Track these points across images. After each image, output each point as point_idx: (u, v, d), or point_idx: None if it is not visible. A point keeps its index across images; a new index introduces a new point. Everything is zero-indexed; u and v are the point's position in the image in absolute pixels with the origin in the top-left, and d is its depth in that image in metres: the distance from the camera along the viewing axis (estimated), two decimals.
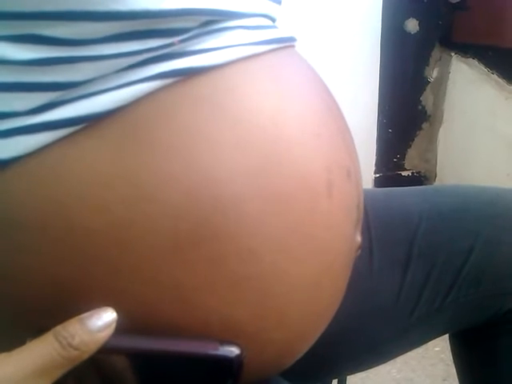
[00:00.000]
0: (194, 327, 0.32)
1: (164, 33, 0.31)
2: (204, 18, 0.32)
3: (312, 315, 0.37)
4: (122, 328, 0.29)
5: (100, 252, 0.30)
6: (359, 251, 0.43)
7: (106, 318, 0.29)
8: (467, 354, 0.62)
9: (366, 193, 0.61)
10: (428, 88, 1.66)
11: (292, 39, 0.38)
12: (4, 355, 0.27)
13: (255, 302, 0.33)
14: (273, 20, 0.39)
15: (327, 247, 0.36)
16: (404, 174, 1.75)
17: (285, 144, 0.33)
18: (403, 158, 1.74)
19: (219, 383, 0.31)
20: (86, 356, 0.28)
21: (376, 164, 1.70)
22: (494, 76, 1.43)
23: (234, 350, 0.30)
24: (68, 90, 0.30)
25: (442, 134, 1.69)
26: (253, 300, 0.32)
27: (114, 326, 0.29)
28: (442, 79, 1.64)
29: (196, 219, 0.30)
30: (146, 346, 0.30)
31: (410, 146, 1.72)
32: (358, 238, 0.41)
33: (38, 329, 0.28)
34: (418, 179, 1.76)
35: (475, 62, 1.50)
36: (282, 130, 0.33)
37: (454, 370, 0.66)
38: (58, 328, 0.28)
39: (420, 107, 1.68)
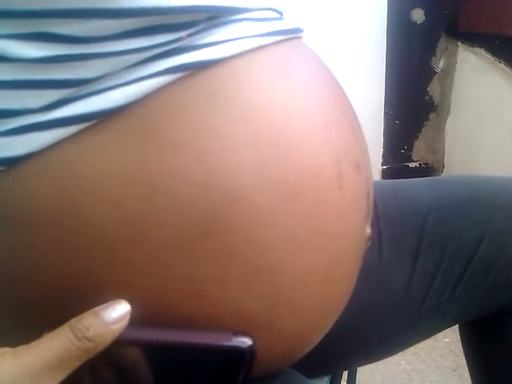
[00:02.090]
0: (206, 319, 0.32)
1: (172, 28, 0.31)
2: (211, 14, 0.32)
3: (323, 306, 0.37)
4: (135, 320, 0.30)
5: (113, 246, 0.30)
6: (369, 243, 0.43)
7: (120, 310, 0.29)
8: (477, 345, 0.62)
9: (375, 185, 0.62)
10: (435, 78, 1.65)
11: (299, 30, 0.38)
12: (22, 347, 0.28)
13: (266, 293, 0.33)
14: (279, 13, 0.40)
15: (337, 239, 0.36)
16: (411, 165, 1.74)
17: (294, 136, 0.33)
18: (410, 149, 1.73)
19: (232, 374, 0.32)
20: (101, 348, 0.28)
21: (383, 156, 1.70)
22: (501, 65, 1.42)
23: (246, 341, 0.31)
24: (79, 86, 0.30)
25: (450, 125, 1.68)
26: (264, 291, 0.33)
27: (128, 317, 0.29)
28: (449, 69, 1.63)
29: (206, 212, 0.30)
30: (160, 337, 0.30)
31: (418, 137, 1.72)
32: (368, 230, 0.41)
33: (53, 322, 0.29)
34: (426, 170, 1.75)
35: (482, 51, 1.49)
36: (291, 122, 0.33)
37: (463, 361, 0.66)
38: (73, 321, 0.28)
39: (427, 98, 1.67)
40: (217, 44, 0.32)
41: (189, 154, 0.30)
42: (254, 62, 0.33)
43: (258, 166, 0.31)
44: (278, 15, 0.39)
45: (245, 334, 0.31)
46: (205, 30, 0.32)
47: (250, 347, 0.31)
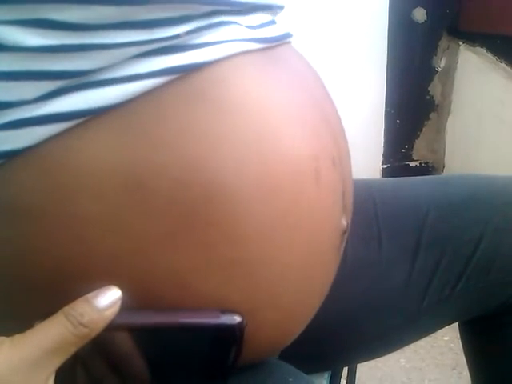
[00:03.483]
0: (190, 307, 0.33)
1: (170, 22, 0.32)
2: (208, 8, 0.33)
3: (303, 297, 0.39)
4: (124, 308, 0.30)
5: (99, 237, 0.31)
6: (346, 234, 0.44)
7: (111, 296, 0.30)
8: (477, 343, 0.63)
9: (375, 183, 0.62)
10: (436, 78, 1.65)
11: (287, 36, 0.40)
12: (18, 336, 0.28)
13: (246, 285, 0.34)
14: (279, 8, 0.41)
15: (315, 233, 0.37)
16: (412, 164, 1.75)
17: (271, 133, 0.34)
18: (411, 148, 1.73)
19: (223, 352, 0.33)
20: (95, 333, 0.29)
21: (384, 155, 1.70)
22: (503, 65, 1.42)
23: (235, 318, 0.32)
24: (76, 78, 0.30)
25: (450, 124, 1.68)
26: (244, 283, 0.34)
27: (119, 303, 0.30)
28: (450, 68, 1.63)
29: (186, 206, 0.31)
30: (150, 320, 0.32)
31: (418, 136, 1.72)
32: (344, 223, 0.42)
33: (44, 312, 0.29)
34: (426, 170, 1.75)
35: (483, 50, 1.49)
36: (267, 120, 0.34)
37: (463, 359, 0.66)
38: (67, 308, 0.29)
39: (428, 97, 1.67)
40: (208, 45, 0.33)
41: (169, 151, 0.31)
42: (237, 64, 0.34)
43: (235, 163, 0.32)
44: (270, 17, 0.40)
45: (232, 311, 0.32)
46: (198, 30, 0.33)
47: (239, 323, 0.32)
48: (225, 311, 0.32)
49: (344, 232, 0.43)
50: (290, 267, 0.36)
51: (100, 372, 0.33)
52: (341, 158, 0.41)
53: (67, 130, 0.30)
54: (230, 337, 0.32)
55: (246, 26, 0.36)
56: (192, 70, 0.32)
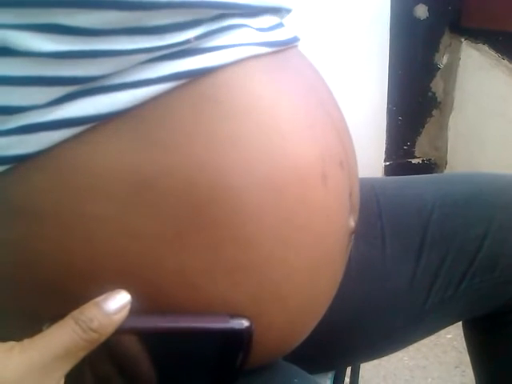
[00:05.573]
0: (198, 309, 0.33)
1: (180, 27, 0.32)
2: (217, 11, 0.33)
3: (311, 299, 0.39)
4: (133, 310, 0.30)
5: (108, 238, 0.31)
6: (353, 235, 0.44)
7: (120, 300, 0.30)
8: (480, 341, 0.63)
9: (378, 181, 0.62)
10: (438, 74, 1.65)
11: (295, 40, 0.40)
12: (28, 341, 0.28)
13: (254, 287, 0.34)
14: (287, 11, 0.41)
15: (323, 235, 0.37)
16: (414, 161, 1.74)
17: (279, 135, 0.34)
18: (413, 145, 1.73)
19: (231, 357, 0.33)
20: (104, 338, 0.29)
21: (386, 152, 1.69)
22: (505, 61, 1.42)
23: (243, 322, 0.32)
24: (85, 83, 0.30)
25: (453, 121, 1.68)
26: (252, 285, 0.34)
27: (128, 307, 0.30)
28: (452, 65, 1.63)
29: (193, 207, 0.32)
30: (159, 323, 0.31)
31: (421, 133, 1.71)
32: (352, 223, 0.42)
33: (52, 315, 0.29)
34: (429, 167, 1.75)
35: (485, 47, 1.48)
36: (276, 123, 0.34)
37: (466, 358, 0.66)
38: (76, 313, 0.29)
39: (430, 94, 1.67)
40: (218, 49, 0.33)
41: (177, 153, 0.31)
42: (249, 69, 0.35)
43: (243, 165, 0.33)
44: (278, 20, 0.40)
45: (241, 316, 0.32)
46: (208, 34, 0.33)
47: (247, 328, 0.32)
48: (233, 315, 0.32)
49: (352, 233, 0.43)
50: (298, 269, 0.36)
51: (107, 373, 0.33)
52: (348, 160, 0.41)
53: (78, 135, 0.31)
54: (238, 341, 0.32)
55: (256, 29, 0.36)
56: (202, 74, 0.32)
